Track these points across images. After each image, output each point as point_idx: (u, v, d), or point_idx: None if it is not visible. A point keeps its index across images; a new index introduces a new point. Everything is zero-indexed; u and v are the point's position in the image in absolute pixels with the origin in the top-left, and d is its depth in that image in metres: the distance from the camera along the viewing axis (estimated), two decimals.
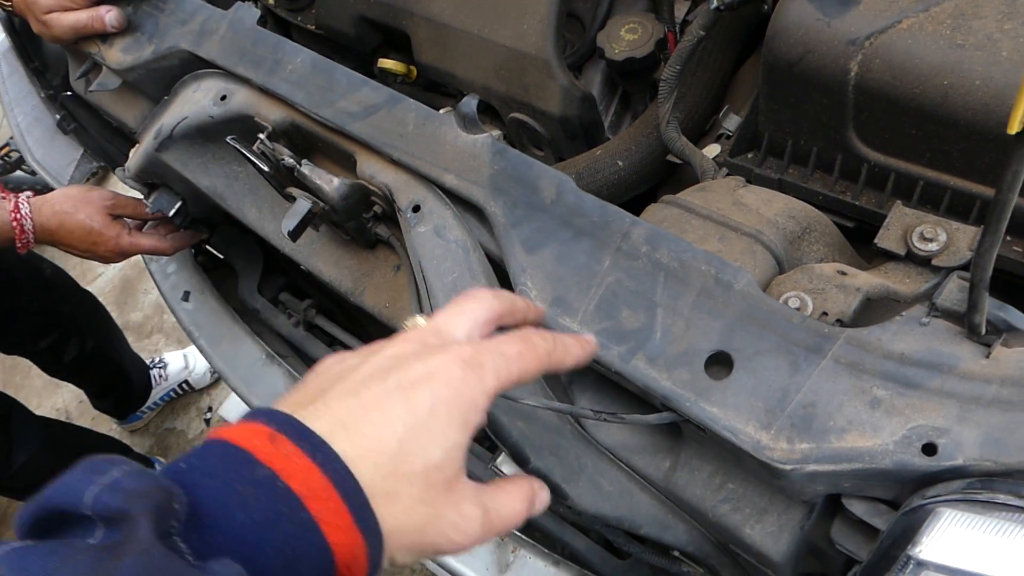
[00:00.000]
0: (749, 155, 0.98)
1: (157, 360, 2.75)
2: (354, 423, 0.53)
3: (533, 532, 1.10)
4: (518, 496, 0.61)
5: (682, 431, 0.76)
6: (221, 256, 1.55)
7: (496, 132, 1.20)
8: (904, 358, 0.63)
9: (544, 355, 0.62)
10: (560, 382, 0.84)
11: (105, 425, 2.79)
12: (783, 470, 0.62)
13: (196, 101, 1.09)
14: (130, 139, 1.26)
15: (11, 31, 1.56)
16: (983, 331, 0.61)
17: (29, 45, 1.57)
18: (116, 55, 1.17)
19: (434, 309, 0.84)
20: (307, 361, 1.45)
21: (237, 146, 0.95)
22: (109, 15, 1.16)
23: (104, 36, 1.19)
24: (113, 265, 3.31)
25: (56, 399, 3.07)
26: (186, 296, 1.50)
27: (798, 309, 0.70)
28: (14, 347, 2.27)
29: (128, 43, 1.17)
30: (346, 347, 1.45)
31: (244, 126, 1.02)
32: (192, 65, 1.11)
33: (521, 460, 0.83)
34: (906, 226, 0.77)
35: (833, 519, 0.70)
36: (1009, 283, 0.81)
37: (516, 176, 0.82)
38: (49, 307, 2.20)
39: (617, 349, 0.71)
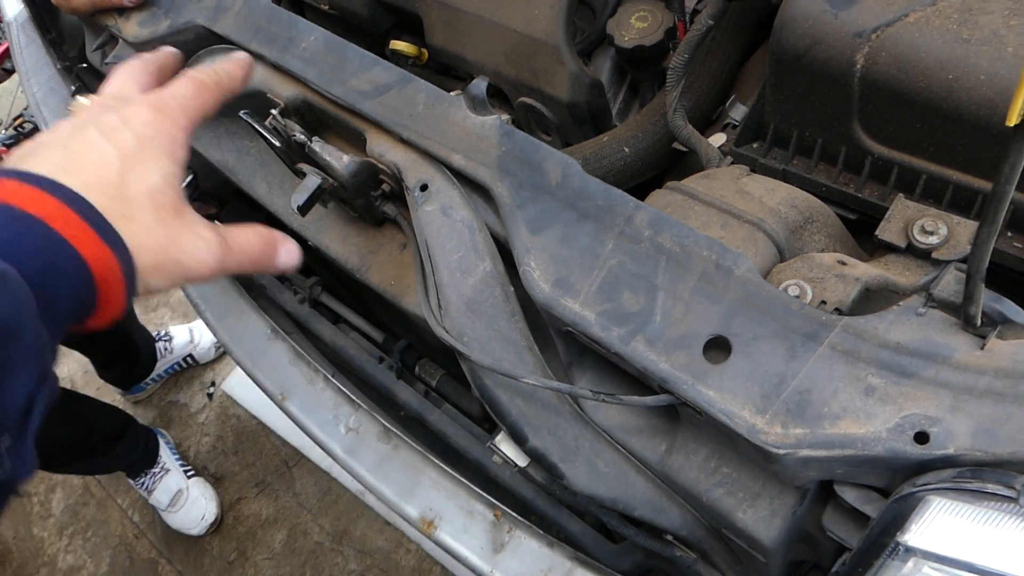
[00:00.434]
0: (754, 145, 0.99)
1: (163, 333, 2.78)
2: (71, 164, 0.57)
3: (529, 514, 1.12)
4: (252, 233, 0.67)
5: (679, 414, 0.77)
6: None
7: (505, 116, 1.21)
8: (900, 347, 0.64)
9: (214, 85, 0.71)
10: (561, 364, 0.85)
11: (110, 396, 2.82)
12: (776, 454, 0.63)
13: None
14: None
15: (29, 2, 1.57)
16: (979, 323, 0.62)
17: (47, 17, 1.58)
18: (132, 28, 1.18)
19: (439, 287, 0.85)
20: (311, 338, 1.46)
21: (250, 120, 0.96)
22: None
23: (121, 9, 1.20)
24: None
25: (62, 368, 3.10)
26: None
27: (797, 297, 0.71)
28: None
29: (145, 17, 1.18)
30: (350, 325, 1.46)
31: (257, 102, 1.03)
32: (207, 40, 1.12)
33: (519, 438, 0.84)
34: (907, 219, 0.78)
35: (825, 506, 0.71)
36: (1008, 279, 0.82)
37: (523, 158, 0.83)
38: None
39: (618, 331, 0.72)
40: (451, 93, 0.95)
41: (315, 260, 1.50)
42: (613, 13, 1.15)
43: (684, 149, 1.04)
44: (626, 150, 1.09)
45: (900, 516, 0.61)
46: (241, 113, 0.97)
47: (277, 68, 1.02)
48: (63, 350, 2.85)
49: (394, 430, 1.19)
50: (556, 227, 0.79)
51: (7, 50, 3.45)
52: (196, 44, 1.14)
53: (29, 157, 0.58)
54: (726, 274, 0.71)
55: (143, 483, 2.55)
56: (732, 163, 0.98)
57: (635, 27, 1.11)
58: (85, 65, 1.52)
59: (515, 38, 1.13)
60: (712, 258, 0.72)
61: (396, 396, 1.35)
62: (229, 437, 2.71)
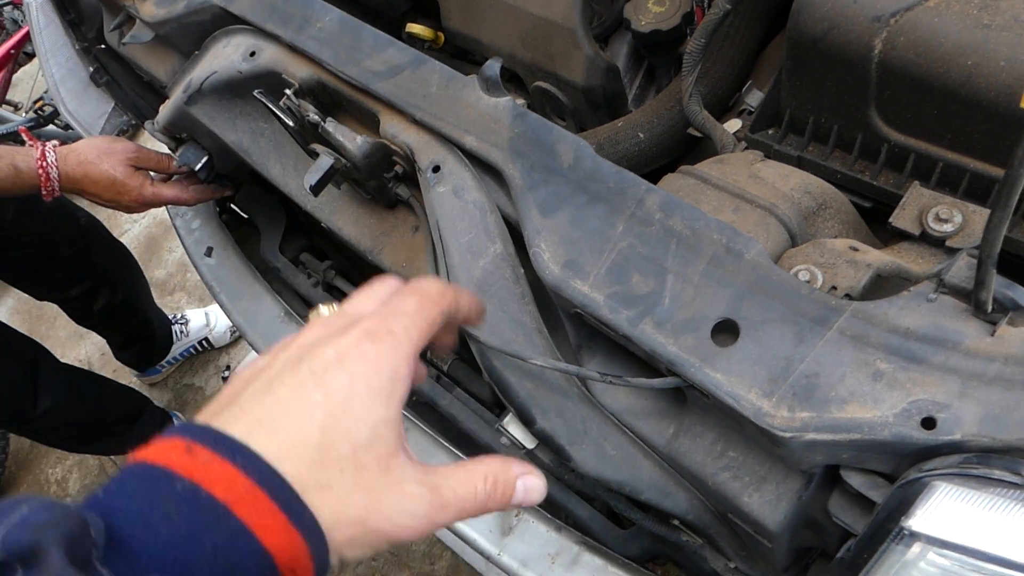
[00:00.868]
0: (770, 131, 0.98)
1: (179, 316, 2.80)
2: (271, 419, 0.50)
3: None
4: (477, 474, 0.56)
5: (686, 397, 0.77)
6: (245, 215, 1.57)
7: (520, 100, 1.21)
8: (909, 333, 0.63)
9: (440, 297, 0.61)
10: (570, 346, 0.85)
11: (126, 378, 2.85)
12: (783, 438, 0.63)
13: (226, 56, 1.10)
14: (160, 95, 1.28)
15: None
16: (989, 309, 0.61)
17: None
18: (150, 8, 1.19)
19: (449, 268, 0.85)
20: None
21: (264, 100, 0.96)
22: None
23: None
24: (139, 222, 3.36)
25: (79, 350, 3.13)
26: (209, 252, 1.52)
27: (808, 282, 0.71)
28: (46, 294, 2.33)
29: None
30: None
31: (271, 82, 1.03)
32: (223, 21, 1.13)
33: (527, 420, 0.85)
34: (922, 206, 0.77)
35: (831, 492, 0.71)
36: (1021, 266, 0.81)
37: (535, 140, 0.83)
38: (83, 256, 2.24)
39: (626, 313, 0.72)
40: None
41: (329, 244, 1.51)
42: None
43: (699, 135, 1.03)
44: (641, 136, 1.09)
45: (905, 501, 0.60)
46: (255, 93, 0.98)
47: (292, 48, 1.02)
48: (80, 331, 2.88)
49: (405, 413, 1.20)
50: (567, 209, 0.79)
51: (27, 33, 3.46)
52: (212, 25, 1.14)
53: (234, 403, 0.52)
54: (736, 258, 0.71)
55: None
56: (747, 149, 0.97)
57: (652, 11, 1.10)
58: (103, 46, 1.54)
59: (531, 21, 1.13)
60: (723, 241, 0.72)
61: None
62: None
